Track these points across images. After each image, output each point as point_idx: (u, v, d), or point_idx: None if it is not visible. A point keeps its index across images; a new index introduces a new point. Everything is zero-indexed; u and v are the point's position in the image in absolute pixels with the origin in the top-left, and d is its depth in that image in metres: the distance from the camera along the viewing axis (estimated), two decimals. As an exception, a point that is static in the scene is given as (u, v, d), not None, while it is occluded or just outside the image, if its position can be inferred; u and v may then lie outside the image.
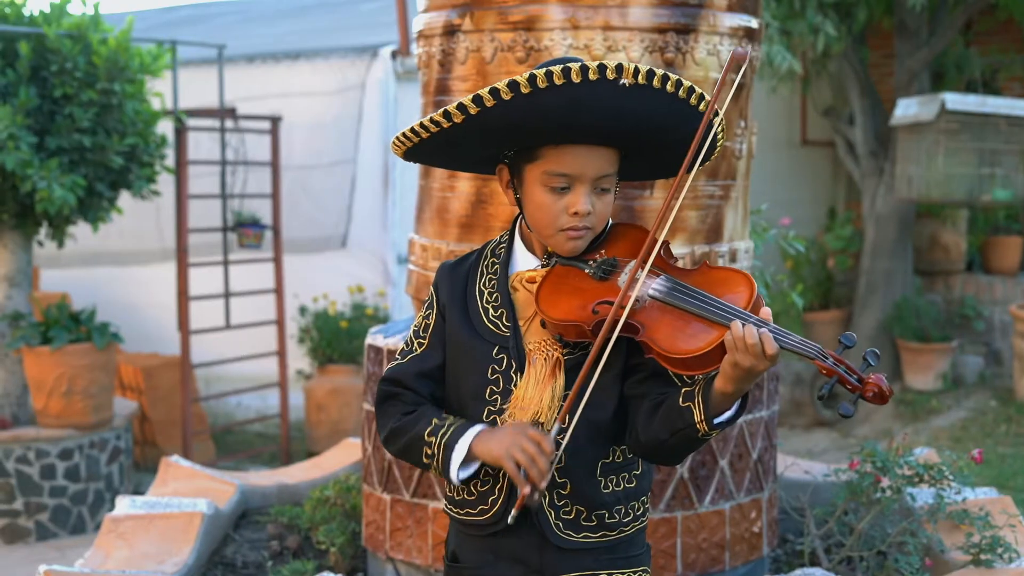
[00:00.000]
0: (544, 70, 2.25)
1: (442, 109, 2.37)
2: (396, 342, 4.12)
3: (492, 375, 2.48)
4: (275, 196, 8.29)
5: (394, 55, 8.66)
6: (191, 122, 8.03)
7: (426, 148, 2.51)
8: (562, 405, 2.38)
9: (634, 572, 2.52)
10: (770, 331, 2.16)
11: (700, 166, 2.49)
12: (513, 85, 2.27)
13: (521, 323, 2.48)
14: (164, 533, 4.30)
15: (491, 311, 2.51)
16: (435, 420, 2.47)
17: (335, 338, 8.51)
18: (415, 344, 2.61)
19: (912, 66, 10.00)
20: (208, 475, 5.06)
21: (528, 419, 2.41)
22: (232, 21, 11.79)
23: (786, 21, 8.82)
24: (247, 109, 8.54)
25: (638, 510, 2.54)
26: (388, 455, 4.09)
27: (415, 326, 2.64)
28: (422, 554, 4.03)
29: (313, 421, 8.51)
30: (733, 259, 4.07)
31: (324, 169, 8.90)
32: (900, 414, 9.35)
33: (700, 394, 2.26)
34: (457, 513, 2.55)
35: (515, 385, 2.44)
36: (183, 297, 7.88)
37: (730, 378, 2.20)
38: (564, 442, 2.33)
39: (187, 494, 4.72)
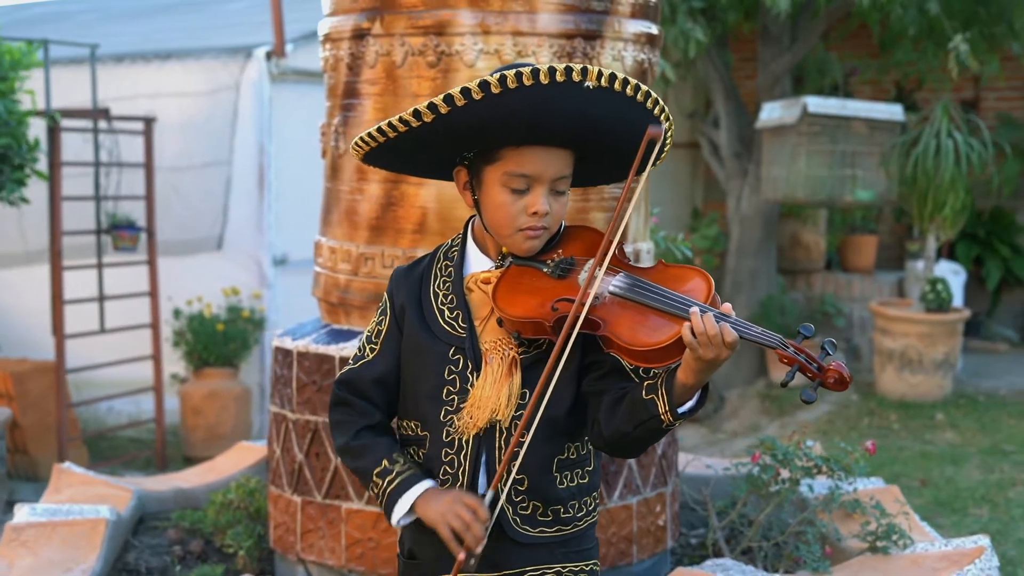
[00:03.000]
0: (514, 71, 2.31)
1: (412, 109, 2.40)
2: (305, 344, 4.13)
3: (449, 375, 2.53)
4: (149, 198, 8.18)
5: (269, 56, 8.60)
6: (63, 123, 7.88)
7: (388, 150, 2.54)
8: (519, 403, 2.46)
9: (586, 565, 2.60)
10: (731, 323, 2.25)
11: (653, 167, 2.57)
12: (484, 85, 2.32)
13: (477, 323, 2.54)
14: (68, 540, 4.25)
15: (447, 312, 2.56)
16: (385, 461, 2.56)
17: (211, 341, 8.42)
18: (367, 350, 2.65)
19: (775, 70, 10.27)
20: (103, 481, 5.00)
21: (486, 418, 2.48)
22: (96, 19, 11.56)
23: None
24: (117, 110, 8.40)
25: (590, 505, 2.62)
26: (299, 457, 4.11)
27: (368, 331, 2.68)
28: (335, 555, 4.05)
29: (189, 425, 8.42)
30: (636, 259, 4.17)
31: (198, 171, 8.80)
32: (767, 409, 9.59)
33: (663, 386, 2.33)
34: None
35: (471, 385, 2.50)
36: (57, 301, 7.73)
37: (692, 369, 2.27)
38: (501, 502, 2.45)
39: (84, 501, 4.67)
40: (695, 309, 2.26)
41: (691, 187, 13.10)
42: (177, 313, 8.59)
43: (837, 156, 9.57)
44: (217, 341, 8.42)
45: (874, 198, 9.69)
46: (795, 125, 9.43)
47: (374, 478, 2.56)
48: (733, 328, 2.24)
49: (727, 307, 2.29)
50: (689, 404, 2.35)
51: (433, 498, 2.49)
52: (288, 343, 4.22)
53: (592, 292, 2.38)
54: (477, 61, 3.84)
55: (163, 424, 8.28)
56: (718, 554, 4.31)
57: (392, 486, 2.53)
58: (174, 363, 8.75)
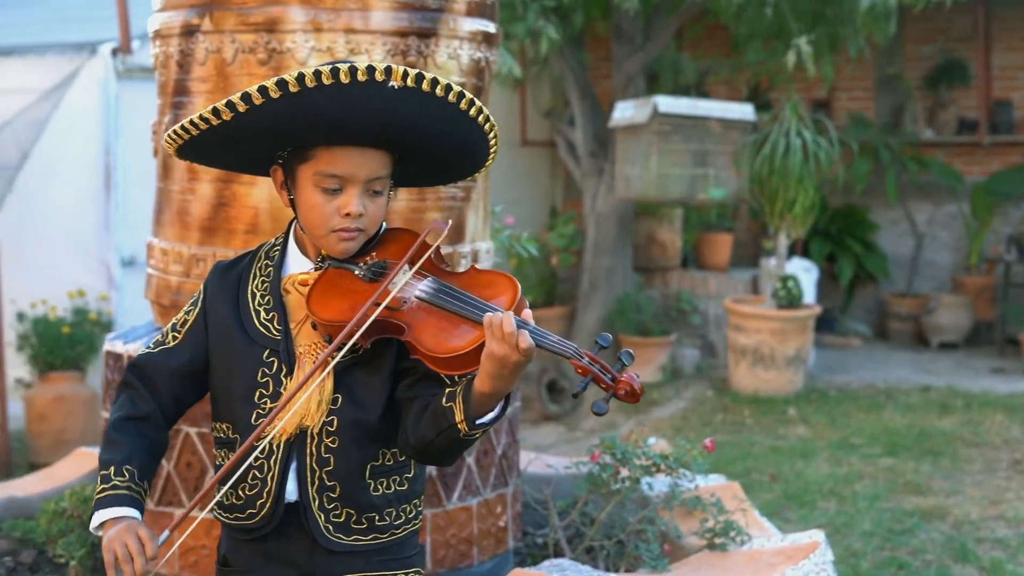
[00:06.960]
0: (313, 69, 2.26)
1: (211, 106, 2.34)
2: (137, 348, 4.04)
3: (262, 378, 2.47)
4: (-10, 198, 7.97)
5: (115, 52, 8.41)
6: None
7: (200, 146, 2.47)
8: (331, 408, 2.42)
9: (406, 573, 2.54)
10: (528, 330, 2.21)
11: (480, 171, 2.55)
12: (282, 83, 2.26)
13: (293, 326, 2.48)
14: None
15: (263, 313, 2.50)
16: (113, 468, 2.46)
17: (56, 345, 8.20)
18: (169, 336, 2.58)
19: (629, 69, 10.33)
20: (-69, 491, 4.84)
21: (295, 423, 2.42)
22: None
23: (507, 25, 8.98)
24: (-44, 107, 8.17)
25: (410, 512, 2.56)
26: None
27: (175, 319, 2.61)
28: (168, 562, 3.96)
29: (35, 431, 8.19)
30: (475, 259, 4.15)
31: (41, 170, 8.56)
32: (624, 407, 9.64)
33: (461, 394, 2.29)
34: (226, 518, 2.53)
35: (284, 388, 2.44)
36: None
37: (489, 374, 2.22)
38: (178, 543, 2.41)
39: (-90, 512, 4.51)
40: (494, 313, 2.22)
41: (550, 185, 13.16)
42: (21, 316, 8.36)
43: (690, 155, 9.67)
44: (63, 344, 8.20)
45: (726, 196, 9.81)
46: (647, 124, 9.50)
47: (100, 473, 2.47)
48: (531, 335, 2.20)
49: (528, 313, 2.27)
50: (491, 415, 2.30)
51: (116, 524, 2.39)
52: (119, 347, 4.12)
53: (392, 294, 2.35)
54: (309, 59, 3.78)
55: (7, 431, 8.04)
56: (559, 553, 4.31)
57: (102, 495, 2.44)
58: (18, 368, 8.51)
